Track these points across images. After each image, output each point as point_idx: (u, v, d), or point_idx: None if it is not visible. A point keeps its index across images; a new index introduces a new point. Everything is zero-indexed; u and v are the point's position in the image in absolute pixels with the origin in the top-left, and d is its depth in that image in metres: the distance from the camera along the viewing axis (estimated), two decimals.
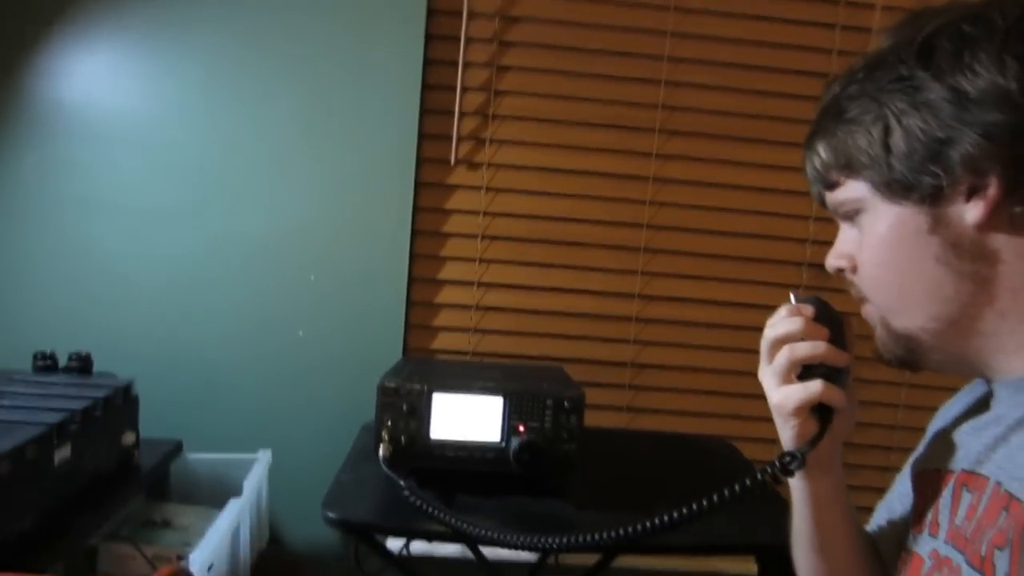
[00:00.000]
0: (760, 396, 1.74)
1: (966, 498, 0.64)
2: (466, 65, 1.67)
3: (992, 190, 0.59)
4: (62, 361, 1.35)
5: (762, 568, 1.75)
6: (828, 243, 1.79)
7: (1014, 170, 0.58)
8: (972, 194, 0.60)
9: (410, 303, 1.71)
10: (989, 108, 0.58)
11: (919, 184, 0.62)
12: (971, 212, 0.60)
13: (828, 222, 1.71)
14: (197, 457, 1.53)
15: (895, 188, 0.63)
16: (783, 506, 1.21)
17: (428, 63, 1.66)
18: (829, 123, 0.69)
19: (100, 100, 1.60)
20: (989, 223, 0.60)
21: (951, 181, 0.60)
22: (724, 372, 1.76)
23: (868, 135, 0.64)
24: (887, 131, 0.63)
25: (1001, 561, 0.56)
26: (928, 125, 0.61)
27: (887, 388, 1.74)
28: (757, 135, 1.72)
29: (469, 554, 1.67)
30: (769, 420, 1.81)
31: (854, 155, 0.66)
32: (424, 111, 1.67)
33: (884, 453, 1.75)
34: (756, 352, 1.79)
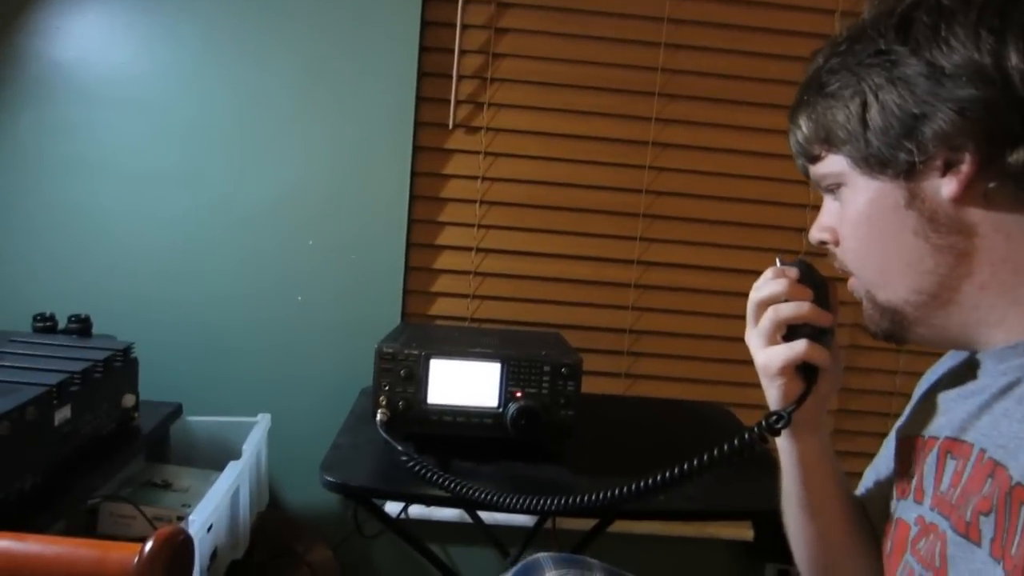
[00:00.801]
0: None
1: (950, 465, 0.65)
2: (464, 27, 1.64)
3: (966, 166, 0.59)
4: (61, 323, 1.35)
5: (758, 532, 1.78)
6: None
7: (988, 146, 0.58)
8: (947, 169, 0.61)
9: (408, 269, 1.71)
10: (963, 83, 0.58)
11: (895, 159, 0.62)
12: (946, 187, 0.61)
13: None
14: (197, 420, 1.54)
15: (872, 163, 0.64)
16: (777, 471, 1.23)
17: (425, 25, 1.64)
18: (811, 96, 0.69)
19: (97, 60, 1.59)
20: (964, 198, 0.61)
21: (925, 156, 0.61)
22: (723, 339, 1.76)
23: (847, 110, 0.65)
24: (864, 106, 0.64)
25: (986, 527, 0.57)
26: (904, 100, 0.61)
27: (885, 354, 1.75)
28: (757, 99, 1.70)
29: (467, 519, 1.70)
30: None
31: (833, 129, 0.66)
32: (422, 74, 1.65)
33: (882, 419, 1.76)
34: None
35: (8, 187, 1.60)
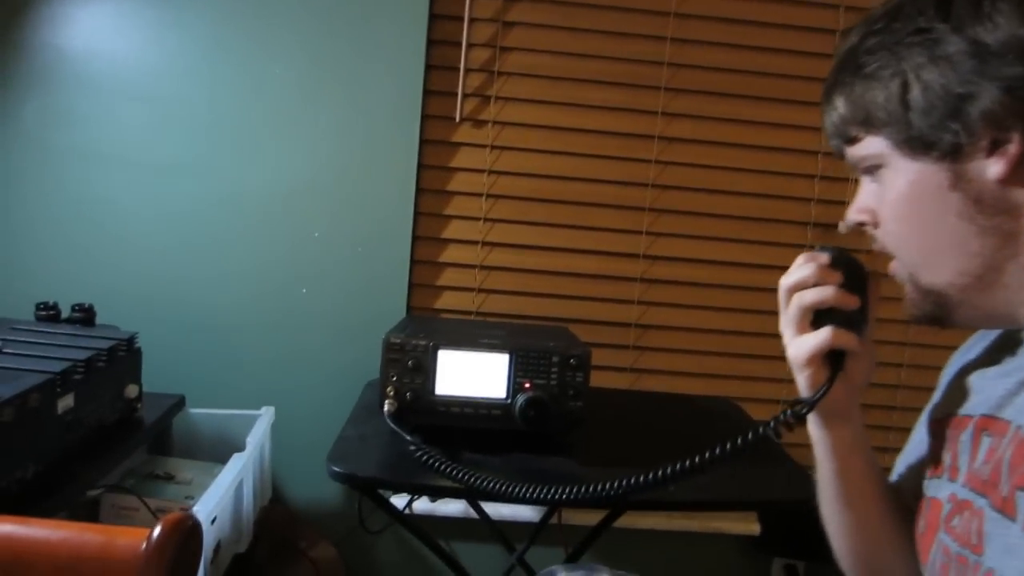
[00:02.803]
0: (764, 357, 1.75)
1: (985, 442, 0.64)
2: (472, 20, 1.63)
3: (1014, 146, 0.58)
4: (65, 313, 1.34)
5: (764, 527, 1.76)
6: (834, 203, 1.78)
7: None
8: (994, 149, 0.59)
9: (414, 262, 1.70)
10: (1010, 61, 0.57)
11: (939, 141, 0.61)
12: (993, 168, 0.59)
13: (834, 181, 1.72)
14: (200, 412, 1.53)
15: (915, 145, 0.62)
16: (790, 465, 1.22)
17: (433, 18, 1.63)
18: (847, 76, 0.67)
19: (104, 50, 1.58)
20: (1011, 178, 0.59)
21: (971, 137, 0.59)
22: (729, 333, 1.75)
23: (886, 90, 0.63)
24: (905, 87, 0.62)
25: (1023, 501, 0.56)
26: (947, 80, 0.59)
27: (891, 348, 1.74)
28: (763, 93, 1.70)
29: (472, 514, 1.68)
30: (773, 381, 1.82)
31: (872, 111, 0.65)
32: (429, 67, 1.64)
33: (887, 412, 1.74)
34: (762, 312, 1.79)
35: (14, 176, 1.59)
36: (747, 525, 1.77)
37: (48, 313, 1.30)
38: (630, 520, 1.69)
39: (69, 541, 0.76)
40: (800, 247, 1.71)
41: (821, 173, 1.70)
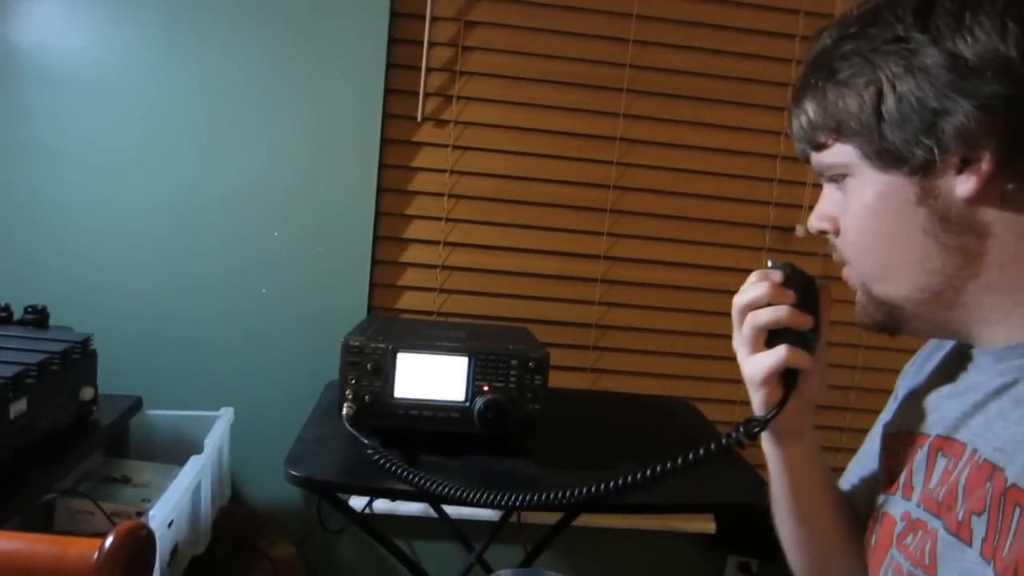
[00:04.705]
0: (722, 358, 1.78)
1: (940, 463, 0.64)
2: (433, 19, 1.63)
3: (985, 164, 0.57)
4: (17, 314, 1.31)
5: (720, 526, 1.80)
6: (791, 206, 1.81)
7: (1009, 145, 0.56)
8: (964, 167, 0.58)
9: (375, 261, 1.69)
10: (988, 78, 0.55)
11: (911, 155, 0.59)
12: (962, 186, 0.58)
13: (792, 185, 1.75)
14: (158, 414, 1.51)
15: (885, 157, 0.61)
16: (743, 467, 1.25)
17: (394, 16, 1.62)
18: (819, 81, 0.65)
19: (57, 44, 1.54)
20: (980, 197, 0.58)
21: (943, 153, 0.58)
22: (688, 334, 1.78)
23: (860, 99, 0.61)
24: (880, 96, 0.60)
25: (978, 527, 0.56)
26: (923, 92, 0.58)
27: (844, 350, 1.78)
28: (723, 96, 1.72)
29: (432, 513, 1.69)
30: (731, 382, 1.84)
31: (844, 119, 0.63)
32: (390, 65, 1.64)
33: (840, 414, 1.79)
34: (720, 314, 1.82)
35: None
36: (703, 524, 1.80)
37: (0, 315, 1.28)
38: (588, 519, 1.71)
39: (20, 552, 0.76)
40: (758, 250, 1.75)
41: (780, 177, 1.73)
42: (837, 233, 0.68)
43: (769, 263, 0.74)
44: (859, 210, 0.65)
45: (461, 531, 1.70)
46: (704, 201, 1.76)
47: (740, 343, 0.73)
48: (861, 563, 0.75)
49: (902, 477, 0.69)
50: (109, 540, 0.74)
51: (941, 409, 0.67)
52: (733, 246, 1.76)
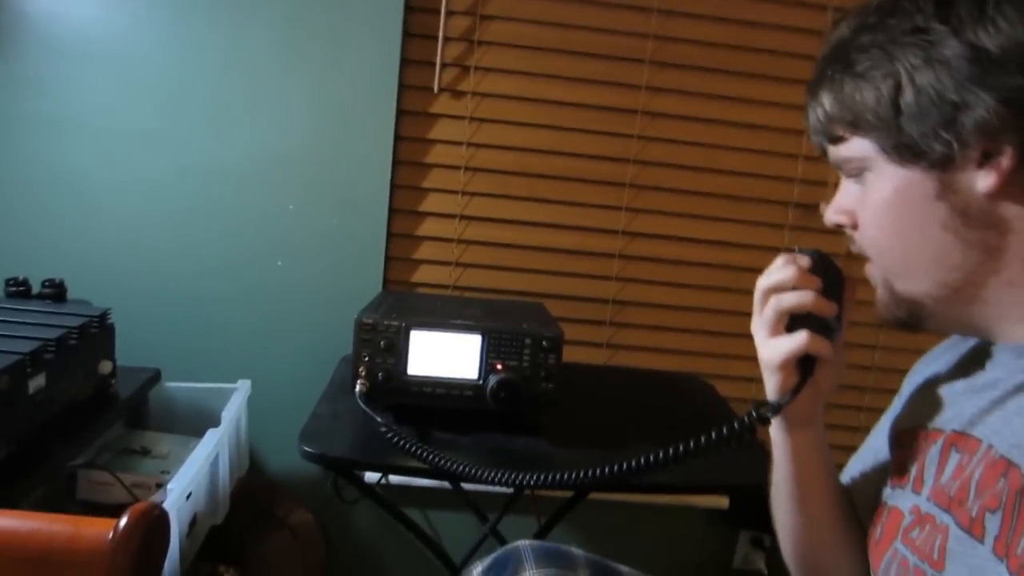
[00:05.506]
0: (739, 335, 1.76)
1: (954, 458, 0.63)
2: None
3: (1006, 159, 0.56)
4: (35, 288, 1.33)
5: (733, 502, 1.81)
6: (816, 183, 1.77)
7: None
8: (985, 161, 0.57)
9: (391, 235, 1.69)
10: (1011, 71, 0.54)
11: (930, 150, 0.59)
12: (982, 180, 0.58)
13: (817, 162, 1.71)
14: (176, 386, 1.53)
15: (904, 152, 0.60)
16: (757, 449, 1.24)
17: None
18: (836, 73, 0.64)
19: (71, 14, 1.53)
20: (1001, 192, 0.57)
21: (963, 148, 0.57)
22: (706, 310, 1.76)
23: (877, 92, 0.60)
24: (898, 89, 0.59)
25: (992, 524, 0.56)
26: (942, 85, 0.57)
27: (860, 351, 1.76)
28: (749, 69, 1.68)
29: (447, 485, 1.71)
30: (748, 359, 1.82)
31: (861, 113, 0.62)
32: (407, 35, 1.61)
33: (854, 413, 1.78)
34: (739, 292, 1.80)
35: None
36: (716, 499, 1.81)
37: (18, 289, 1.29)
38: (601, 494, 1.72)
39: (38, 532, 0.78)
40: (780, 227, 1.72)
41: (805, 153, 1.69)
42: (855, 227, 0.68)
43: (797, 248, 0.73)
44: (877, 205, 0.64)
45: (475, 503, 1.72)
46: (726, 177, 1.72)
47: (760, 325, 0.72)
48: (854, 556, 0.77)
49: (913, 471, 0.69)
50: (123, 521, 0.75)
51: (957, 405, 0.67)
52: (754, 223, 1.73)
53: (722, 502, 1.80)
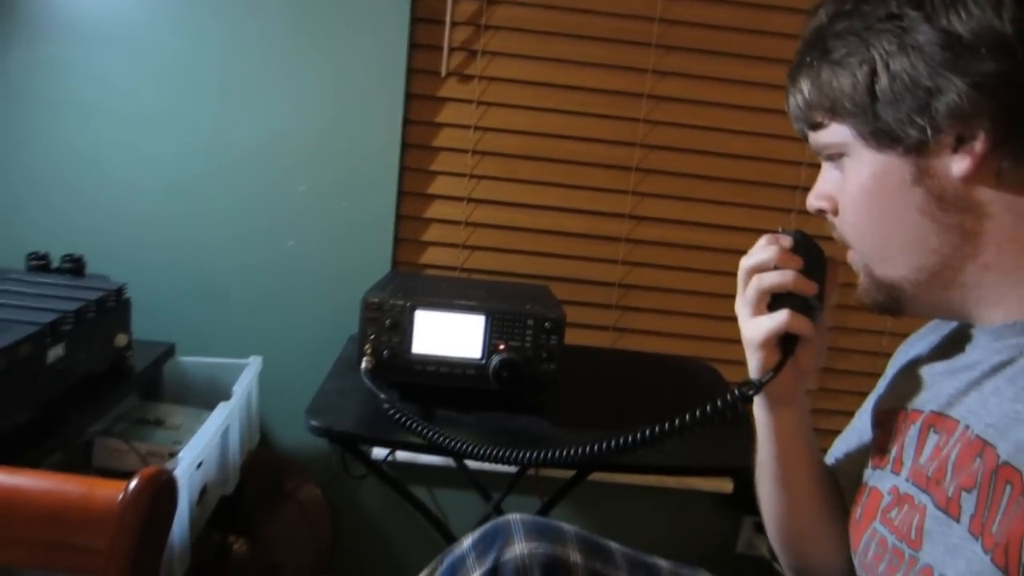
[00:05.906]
0: None
1: (932, 439, 0.65)
2: None
3: (979, 143, 0.57)
4: (55, 263, 1.37)
5: (737, 486, 1.82)
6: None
7: (1004, 123, 0.56)
8: (959, 146, 0.58)
9: (399, 217, 1.71)
10: (982, 55, 0.55)
11: (905, 135, 0.59)
12: (957, 165, 0.58)
13: None
14: (190, 360, 1.58)
15: (880, 137, 0.61)
16: (754, 432, 1.26)
17: None
18: (814, 60, 0.65)
19: (88, 0, 1.57)
20: (975, 176, 0.58)
21: (937, 132, 0.58)
22: (711, 295, 1.78)
23: (853, 78, 0.61)
24: (874, 75, 0.60)
25: (967, 503, 0.57)
26: (916, 71, 0.57)
27: (868, 336, 1.76)
28: (756, 52, 1.68)
29: (452, 463, 1.74)
30: None
31: (839, 99, 0.63)
32: (415, 19, 1.63)
33: (861, 400, 1.78)
34: None
35: (1, 128, 1.60)
36: (720, 484, 1.82)
37: (39, 263, 1.33)
38: (605, 475, 1.75)
39: (52, 491, 0.81)
40: (787, 211, 1.72)
41: None
42: (836, 212, 0.69)
43: (780, 229, 0.75)
44: (855, 190, 0.65)
45: (479, 481, 1.75)
46: (732, 160, 1.73)
47: (742, 304, 0.74)
48: (837, 537, 0.77)
49: (892, 452, 0.70)
50: (133, 483, 0.79)
51: (936, 386, 0.68)
52: (761, 207, 1.74)
53: (726, 486, 1.82)
